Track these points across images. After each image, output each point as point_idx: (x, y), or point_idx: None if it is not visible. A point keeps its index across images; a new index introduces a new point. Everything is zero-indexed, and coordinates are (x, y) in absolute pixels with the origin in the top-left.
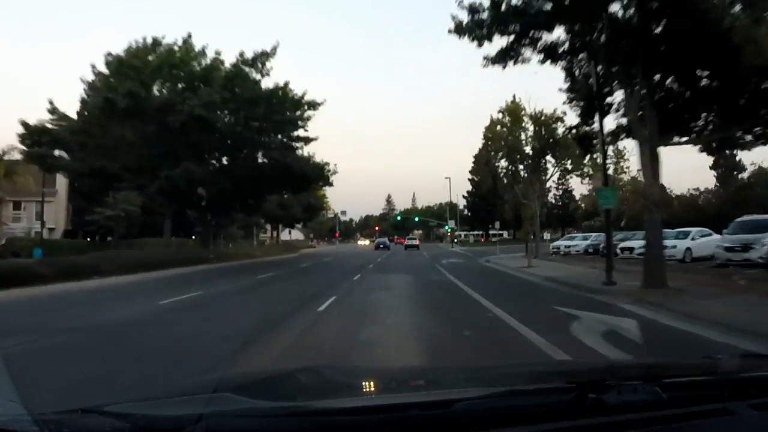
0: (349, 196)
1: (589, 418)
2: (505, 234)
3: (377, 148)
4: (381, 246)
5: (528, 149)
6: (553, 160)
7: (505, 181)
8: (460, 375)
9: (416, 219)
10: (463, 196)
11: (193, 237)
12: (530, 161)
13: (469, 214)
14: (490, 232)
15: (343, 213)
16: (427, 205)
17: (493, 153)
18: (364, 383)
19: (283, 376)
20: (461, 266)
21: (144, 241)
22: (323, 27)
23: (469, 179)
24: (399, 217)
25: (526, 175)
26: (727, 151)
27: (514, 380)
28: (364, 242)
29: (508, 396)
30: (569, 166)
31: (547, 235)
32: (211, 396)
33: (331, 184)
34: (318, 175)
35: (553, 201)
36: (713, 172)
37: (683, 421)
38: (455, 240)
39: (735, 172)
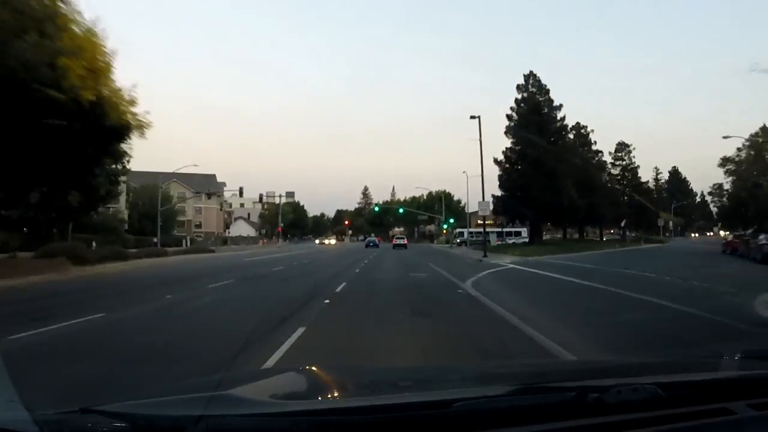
0: (324, 191)
1: (589, 418)
2: (524, 233)
3: (354, 143)
4: (371, 245)
5: None
6: None
7: None
8: (460, 375)
9: (400, 211)
10: (495, 161)
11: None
12: None
13: (501, 193)
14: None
15: (291, 195)
16: (412, 195)
17: None
18: (363, 383)
19: (283, 376)
20: None
21: None
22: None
23: (504, 132)
24: (377, 209)
25: None
26: None
27: (513, 380)
28: (329, 241)
29: (508, 396)
30: None
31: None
32: (211, 396)
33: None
34: None
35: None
36: None
37: (683, 421)
38: (457, 241)
39: None
